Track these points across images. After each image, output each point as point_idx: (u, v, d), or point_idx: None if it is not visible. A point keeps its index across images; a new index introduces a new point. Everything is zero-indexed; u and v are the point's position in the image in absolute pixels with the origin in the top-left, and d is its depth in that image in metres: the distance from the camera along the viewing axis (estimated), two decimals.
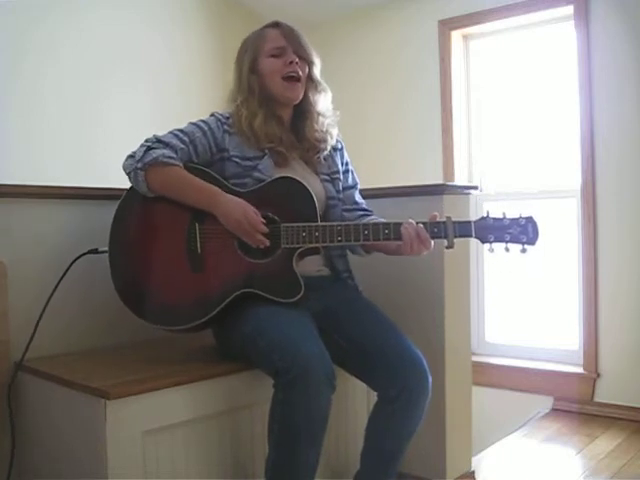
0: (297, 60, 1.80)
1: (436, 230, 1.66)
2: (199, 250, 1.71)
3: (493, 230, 1.65)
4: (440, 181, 3.38)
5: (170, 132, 1.76)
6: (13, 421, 1.72)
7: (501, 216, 1.66)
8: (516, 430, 2.96)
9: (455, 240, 1.66)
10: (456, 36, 3.62)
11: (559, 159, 3.38)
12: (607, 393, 3.09)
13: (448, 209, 2.07)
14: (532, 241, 1.64)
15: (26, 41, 3.02)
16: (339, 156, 1.94)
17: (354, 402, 1.99)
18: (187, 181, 1.70)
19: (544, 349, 3.37)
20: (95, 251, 1.83)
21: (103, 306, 1.92)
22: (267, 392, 1.57)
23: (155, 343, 1.95)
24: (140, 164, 1.67)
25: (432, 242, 1.66)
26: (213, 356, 1.80)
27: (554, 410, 3.18)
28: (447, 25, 3.59)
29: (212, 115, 1.83)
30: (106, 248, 1.75)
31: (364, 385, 1.82)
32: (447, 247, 1.67)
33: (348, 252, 1.93)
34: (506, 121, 3.59)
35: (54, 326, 1.84)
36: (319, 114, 1.86)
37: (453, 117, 3.59)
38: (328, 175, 1.88)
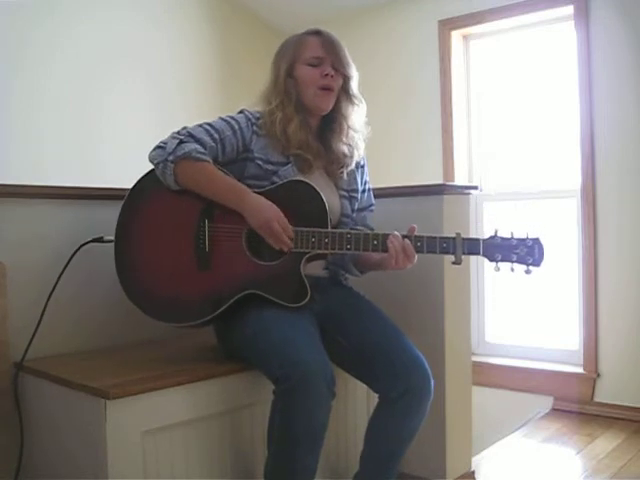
0: (333, 73, 1.78)
1: (445, 245, 1.65)
2: (207, 249, 1.70)
3: (501, 250, 1.65)
4: (440, 181, 3.38)
5: (200, 126, 1.73)
6: (22, 419, 1.73)
7: (509, 236, 1.65)
8: (516, 430, 2.96)
9: (463, 257, 1.66)
10: (456, 36, 3.62)
11: (559, 159, 3.38)
12: (607, 393, 3.09)
13: (448, 209, 2.08)
14: (537, 263, 1.64)
15: (26, 41, 3.02)
16: (360, 174, 1.92)
17: (354, 403, 1.99)
18: (217, 178, 1.69)
19: (544, 349, 3.37)
20: (100, 239, 1.82)
21: (103, 306, 1.92)
22: (267, 392, 1.57)
23: (155, 343, 1.95)
24: (172, 157, 1.65)
25: (416, 257, 1.66)
26: (213, 356, 1.80)
27: (554, 410, 3.18)
28: (447, 25, 3.59)
29: (241, 112, 1.81)
30: (112, 237, 1.74)
31: (364, 387, 1.82)
32: (454, 263, 1.66)
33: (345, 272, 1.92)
34: (506, 121, 3.59)
35: (54, 326, 1.84)
36: (350, 127, 1.85)
37: (453, 117, 3.59)
38: (347, 192, 1.86)
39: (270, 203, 1.66)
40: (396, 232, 1.66)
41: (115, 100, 3.35)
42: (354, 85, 1.84)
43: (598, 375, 3.12)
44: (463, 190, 2.21)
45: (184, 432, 1.60)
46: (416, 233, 1.66)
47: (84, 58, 3.23)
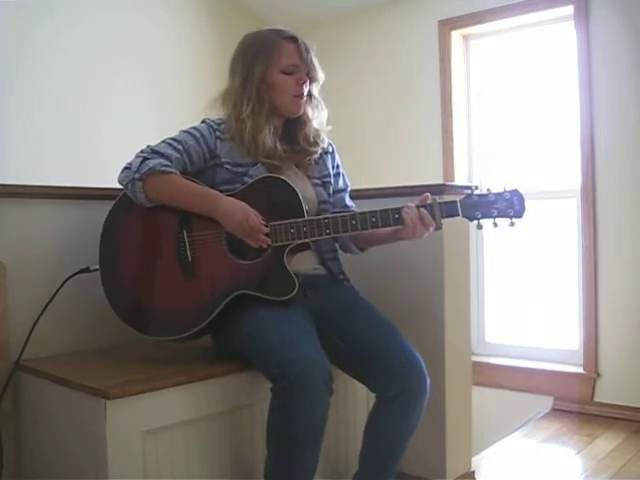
0: (307, 80, 1.79)
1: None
2: (189, 258, 1.71)
3: (479, 207, 1.65)
4: (440, 181, 3.38)
5: (163, 141, 1.75)
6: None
7: (486, 192, 1.65)
8: (516, 430, 2.96)
9: (443, 221, 1.66)
10: (456, 36, 3.62)
11: (559, 159, 3.38)
12: (607, 393, 3.09)
13: None
14: (519, 214, 1.63)
15: (26, 41, 3.02)
16: (330, 159, 1.94)
17: (354, 403, 1.99)
18: (186, 187, 1.70)
19: (544, 349, 3.36)
20: (87, 270, 1.84)
21: (103, 306, 1.91)
22: (266, 392, 1.56)
23: (155, 343, 1.94)
24: (137, 175, 1.67)
25: (434, 224, 1.66)
26: (213, 356, 1.80)
27: (554, 410, 3.18)
28: (447, 25, 3.59)
29: (203, 122, 1.82)
30: (97, 266, 1.76)
31: (364, 386, 1.82)
32: (435, 229, 1.67)
33: (343, 253, 1.93)
34: (506, 121, 3.59)
35: (54, 326, 1.84)
36: (313, 127, 1.86)
37: (453, 117, 3.59)
38: (319, 179, 1.88)
39: (242, 204, 1.66)
40: (410, 203, 1.66)
41: (115, 100, 3.35)
42: (317, 88, 1.85)
43: (598, 375, 3.12)
44: (463, 190, 2.21)
45: (184, 432, 1.60)
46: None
47: (84, 58, 3.23)
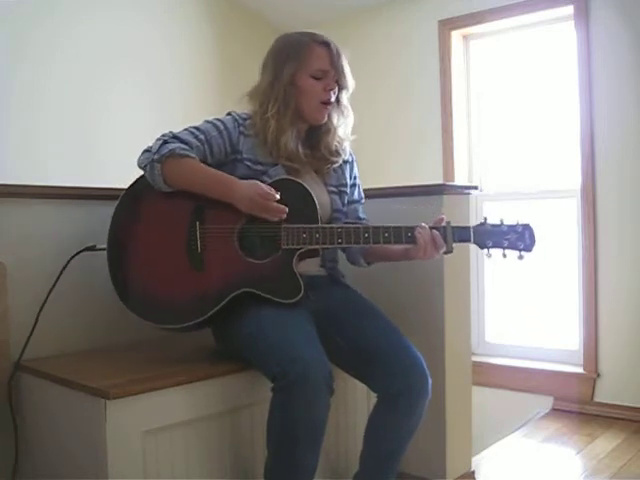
0: (336, 88, 1.79)
1: None
2: (199, 249, 1.71)
3: (491, 236, 1.67)
4: (440, 181, 3.38)
5: (186, 129, 1.74)
6: (15, 420, 1.73)
7: (499, 222, 1.68)
8: (516, 430, 2.96)
9: (454, 245, 1.67)
10: (456, 36, 3.62)
11: (559, 159, 3.38)
12: (607, 393, 3.09)
13: (448, 209, 2.08)
14: (529, 248, 1.66)
15: (26, 41, 3.02)
16: (349, 169, 1.94)
17: (354, 403, 1.99)
18: (203, 171, 1.70)
19: (544, 349, 3.37)
20: (93, 248, 1.83)
21: (103, 306, 1.92)
22: (267, 392, 1.56)
23: (155, 343, 1.95)
24: (157, 156, 1.66)
25: (444, 246, 1.67)
26: (213, 356, 1.80)
27: (554, 410, 3.18)
28: (447, 25, 3.59)
29: (229, 114, 1.81)
30: (104, 246, 1.74)
31: (364, 386, 1.82)
32: (446, 252, 1.69)
33: (350, 264, 1.93)
34: (506, 121, 3.59)
35: (54, 326, 1.84)
36: (339, 136, 1.86)
37: (453, 117, 3.59)
38: (336, 187, 1.88)
39: (251, 182, 1.66)
40: (423, 224, 1.67)
41: (115, 100, 3.35)
42: (346, 96, 1.85)
43: (598, 375, 3.12)
44: (463, 190, 2.21)
45: (184, 432, 1.60)
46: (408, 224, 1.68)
47: (84, 58, 3.23)
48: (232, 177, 1.70)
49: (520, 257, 1.66)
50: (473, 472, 2.26)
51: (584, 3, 3.12)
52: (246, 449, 1.74)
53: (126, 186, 1.76)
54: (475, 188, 2.26)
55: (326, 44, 1.78)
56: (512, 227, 1.67)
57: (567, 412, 3.12)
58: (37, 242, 1.86)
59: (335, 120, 1.85)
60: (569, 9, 3.19)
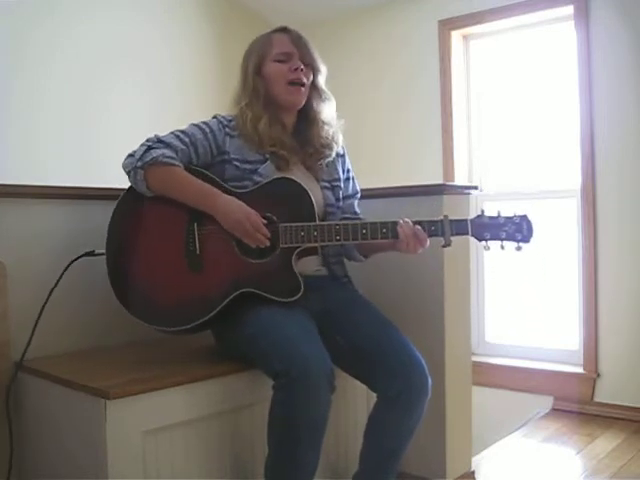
0: (302, 67, 1.80)
1: (433, 228, 1.68)
2: (198, 251, 1.71)
3: (489, 228, 1.67)
4: (440, 181, 3.38)
5: (171, 133, 1.76)
6: (10, 420, 1.73)
7: (496, 214, 1.68)
8: (516, 430, 2.96)
9: (452, 238, 1.68)
10: (456, 36, 3.62)
11: (559, 159, 3.38)
12: (607, 393, 3.09)
13: (448, 209, 2.07)
14: (526, 239, 1.67)
15: (26, 41, 3.02)
16: (341, 163, 1.94)
17: (354, 402, 1.99)
18: (186, 181, 1.71)
19: (544, 349, 3.36)
20: (92, 253, 1.83)
21: (103, 306, 1.92)
22: (267, 392, 1.57)
23: (155, 343, 1.95)
24: (140, 163, 1.67)
25: (428, 240, 1.68)
26: (213, 356, 1.80)
27: (554, 410, 3.18)
28: (447, 25, 3.59)
29: (214, 117, 1.83)
30: (103, 251, 1.75)
31: (364, 386, 1.82)
32: (444, 245, 1.69)
33: (347, 260, 1.93)
34: (506, 121, 3.59)
35: (54, 326, 1.84)
36: (324, 122, 1.86)
37: (453, 117, 3.59)
38: (328, 182, 1.88)
39: (239, 203, 1.67)
40: (406, 218, 1.67)
41: (115, 100, 3.35)
42: (322, 80, 1.87)
43: (598, 375, 3.12)
44: (463, 190, 2.21)
45: (184, 432, 1.60)
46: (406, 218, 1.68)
47: (84, 58, 3.23)
48: (216, 190, 1.70)
49: (518, 248, 1.66)
50: (473, 472, 2.26)
51: (584, 3, 3.12)
52: (246, 449, 1.74)
53: (126, 186, 1.76)
54: (475, 188, 2.26)
55: (284, 29, 1.84)
56: (509, 219, 1.67)
57: (567, 412, 3.12)
58: (37, 242, 1.87)
59: (315, 105, 1.86)
60: (569, 9, 3.19)
